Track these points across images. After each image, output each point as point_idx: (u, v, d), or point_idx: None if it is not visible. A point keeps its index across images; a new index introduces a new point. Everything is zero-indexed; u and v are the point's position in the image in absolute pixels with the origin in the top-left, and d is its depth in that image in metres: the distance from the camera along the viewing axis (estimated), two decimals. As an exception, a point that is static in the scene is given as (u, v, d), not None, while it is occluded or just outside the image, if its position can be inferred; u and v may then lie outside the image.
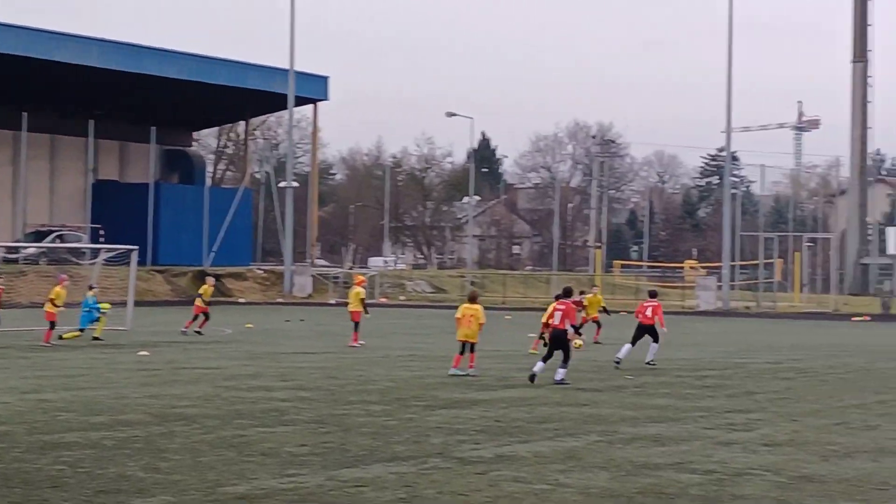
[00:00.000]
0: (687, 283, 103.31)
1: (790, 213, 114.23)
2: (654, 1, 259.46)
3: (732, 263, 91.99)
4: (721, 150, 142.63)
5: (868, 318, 72.16)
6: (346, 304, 44.38)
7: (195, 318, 45.00)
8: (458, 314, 28.51)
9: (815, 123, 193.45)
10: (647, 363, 32.06)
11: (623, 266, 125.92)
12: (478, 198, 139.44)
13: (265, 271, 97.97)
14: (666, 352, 37.83)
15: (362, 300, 39.68)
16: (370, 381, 26.53)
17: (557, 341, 26.79)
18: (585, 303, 43.40)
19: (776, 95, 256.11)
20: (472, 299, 29.06)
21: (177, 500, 12.92)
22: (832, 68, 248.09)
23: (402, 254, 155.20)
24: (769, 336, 50.77)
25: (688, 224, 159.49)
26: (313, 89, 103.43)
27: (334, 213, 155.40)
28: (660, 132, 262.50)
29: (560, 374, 26.43)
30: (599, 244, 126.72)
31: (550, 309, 27.31)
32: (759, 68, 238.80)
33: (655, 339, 32.58)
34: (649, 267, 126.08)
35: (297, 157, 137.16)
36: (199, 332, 44.05)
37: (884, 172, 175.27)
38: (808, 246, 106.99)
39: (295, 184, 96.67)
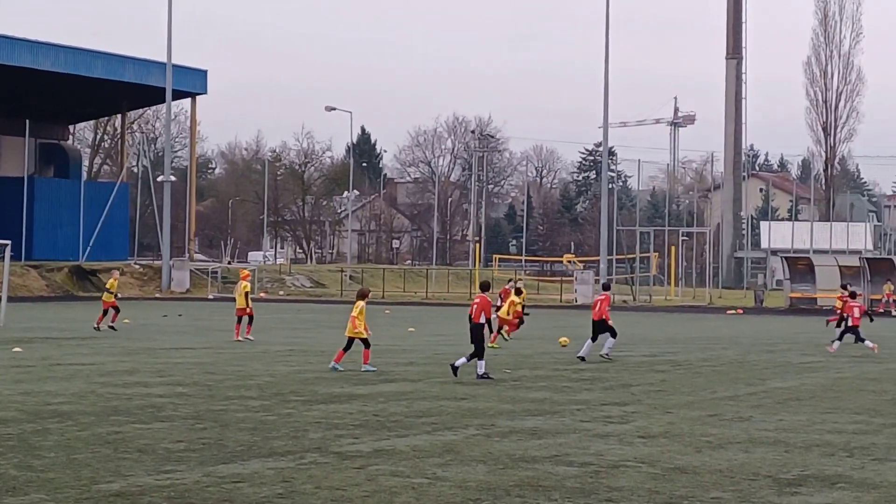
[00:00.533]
0: (565, 277, 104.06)
1: (666, 208, 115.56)
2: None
3: (609, 257, 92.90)
4: (598, 144, 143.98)
5: (741, 312, 73.36)
6: (227, 300, 44.26)
7: (105, 312, 44.59)
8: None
9: (690, 119, 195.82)
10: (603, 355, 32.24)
11: (502, 260, 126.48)
12: (357, 192, 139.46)
13: (143, 266, 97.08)
14: (543, 345, 38.19)
15: (247, 294, 39.69)
16: (249, 377, 26.44)
17: (471, 334, 26.82)
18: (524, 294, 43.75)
19: (653, 91, 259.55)
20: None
21: (51, 499, 12.79)
22: (707, 65, 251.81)
23: (282, 248, 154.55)
24: (645, 329, 51.37)
25: (566, 218, 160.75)
26: (191, 83, 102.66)
27: (213, 208, 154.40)
28: (538, 127, 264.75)
29: (479, 367, 26.52)
30: (478, 238, 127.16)
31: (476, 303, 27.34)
32: (636, 64, 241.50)
33: (612, 334, 32.74)
34: (528, 261, 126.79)
35: (176, 152, 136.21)
36: (112, 328, 43.64)
37: (757, 168, 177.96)
38: (684, 240, 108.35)
39: (172, 178, 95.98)
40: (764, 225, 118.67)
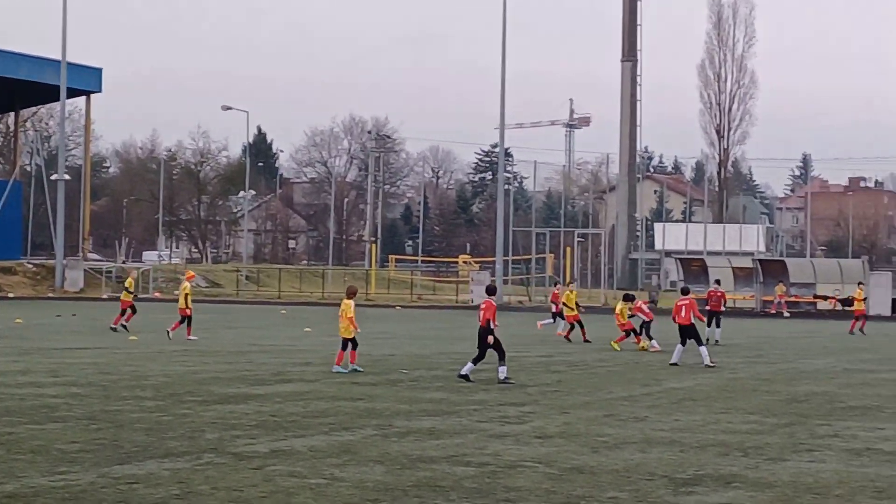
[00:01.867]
0: (461, 278, 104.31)
1: (562, 209, 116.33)
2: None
3: (505, 258, 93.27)
4: (495, 145, 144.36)
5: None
6: (118, 300, 44.19)
7: (123, 312, 44.53)
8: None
9: (586, 121, 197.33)
10: (706, 366, 31.68)
11: (398, 261, 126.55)
12: (253, 192, 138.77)
13: (35, 265, 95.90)
14: (440, 346, 38.24)
15: (187, 295, 40.40)
16: (144, 377, 26.18)
17: (479, 338, 26.42)
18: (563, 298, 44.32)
19: (549, 93, 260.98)
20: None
21: (-58, 501, 12.58)
22: (603, 67, 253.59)
23: (177, 248, 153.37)
24: (542, 330, 51.54)
25: (462, 219, 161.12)
26: (86, 81, 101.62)
27: (107, 207, 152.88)
28: (435, 128, 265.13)
29: (501, 371, 26.13)
30: (374, 239, 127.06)
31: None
32: (533, 65, 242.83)
33: (699, 342, 32.40)
34: (424, 261, 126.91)
35: (70, 150, 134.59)
36: (125, 327, 43.67)
37: (652, 170, 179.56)
38: (579, 241, 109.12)
39: (66, 177, 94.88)
40: (658, 226, 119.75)
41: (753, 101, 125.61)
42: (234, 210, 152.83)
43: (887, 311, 75.48)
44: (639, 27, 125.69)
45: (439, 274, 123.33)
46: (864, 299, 52.51)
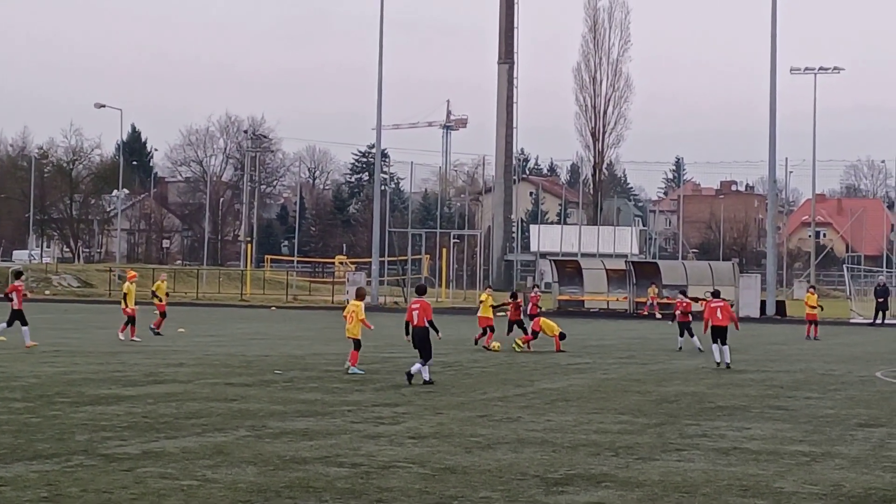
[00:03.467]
0: (337, 279, 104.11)
1: (438, 210, 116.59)
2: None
3: (382, 259, 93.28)
4: (372, 146, 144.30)
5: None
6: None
7: (163, 315, 44.02)
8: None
9: (463, 122, 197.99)
10: (727, 365, 32.84)
11: (274, 261, 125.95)
12: (127, 191, 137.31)
13: None
14: (316, 347, 38.16)
15: (125, 295, 40.37)
16: (13, 378, 25.81)
17: (416, 339, 26.68)
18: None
19: (426, 94, 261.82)
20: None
21: None
22: (480, 69, 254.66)
23: (48, 247, 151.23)
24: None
25: (338, 220, 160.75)
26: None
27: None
28: (312, 128, 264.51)
29: (424, 372, 26.37)
30: (250, 239, 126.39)
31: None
32: (410, 66, 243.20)
33: (724, 342, 33.14)
34: (300, 262, 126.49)
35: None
36: (157, 333, 43.00)
37: (528, 172, 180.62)
38: (455, 242, 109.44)
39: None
40: (534, 228, 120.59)
41: (628, 105, 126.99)
42: (108, 209, 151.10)
43: (756, 313, 76.68)
44: (515, 30, 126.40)
45: (315, 274, 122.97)
46: (817, 306, 52.90)
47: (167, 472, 14.50)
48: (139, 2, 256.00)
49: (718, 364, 32.93)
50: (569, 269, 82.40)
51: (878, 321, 71.53)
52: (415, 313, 26.77)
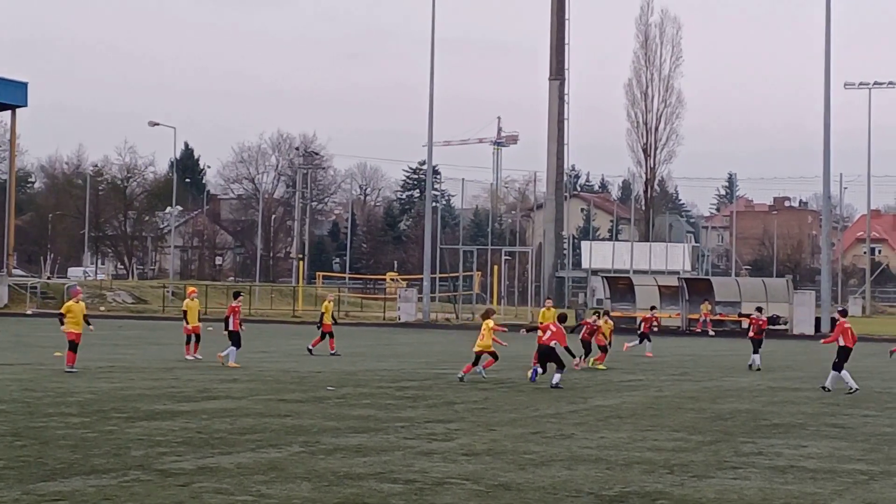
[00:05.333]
0: (389, 295, 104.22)
1: (489, 227, 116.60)
2: (357, 14, 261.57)
3: (433, 276, 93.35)
4: (422, 163, 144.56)
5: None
6: (48, 315, 43.75)
7: (323, 336, 43.71)
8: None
9: (513, 139, 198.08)
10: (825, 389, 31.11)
11: (325, 278, 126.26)
12: (180, 208, 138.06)
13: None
14: (367, 363, 38.20)
15: (185, 312, 40.31)
16: (69, 393, 25.96)
17: (548, 356, 31.39)
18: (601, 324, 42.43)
19: (477, 111, 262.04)
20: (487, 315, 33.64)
21: None
22: (530, 85, 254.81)
23: (103, 264, 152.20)
24: (468, 348, 51.54)
25: (389, 236, 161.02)
26: (12, 95, 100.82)
27: (32, 223, 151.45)
28: (363, 145, 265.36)
29: (554, 378, 30.69)
30: (302, 256, 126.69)
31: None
32: (460, 84, 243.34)
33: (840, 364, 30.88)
34: (351, 279, 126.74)
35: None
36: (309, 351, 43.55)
37: (579, 188, 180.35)
38: (506, 259, 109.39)
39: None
40: (585, 245, 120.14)
41: (680, 121, 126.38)
42: (161, 226, 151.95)
43: (811, 330, 76.22)
44: (566, 46, 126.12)
45: (367, 291, 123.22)
46: None
47: (222, 487, 14.53)
48: (194, 19, 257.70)
49: (851, 391, 30.23)
50: (620, 286, 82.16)
51: (935, 338, 70.94)
52: (550, 334, 31.44)
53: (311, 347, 43.48)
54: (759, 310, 44.00)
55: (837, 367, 30.72)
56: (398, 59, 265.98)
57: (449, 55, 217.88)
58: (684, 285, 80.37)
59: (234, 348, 36.05)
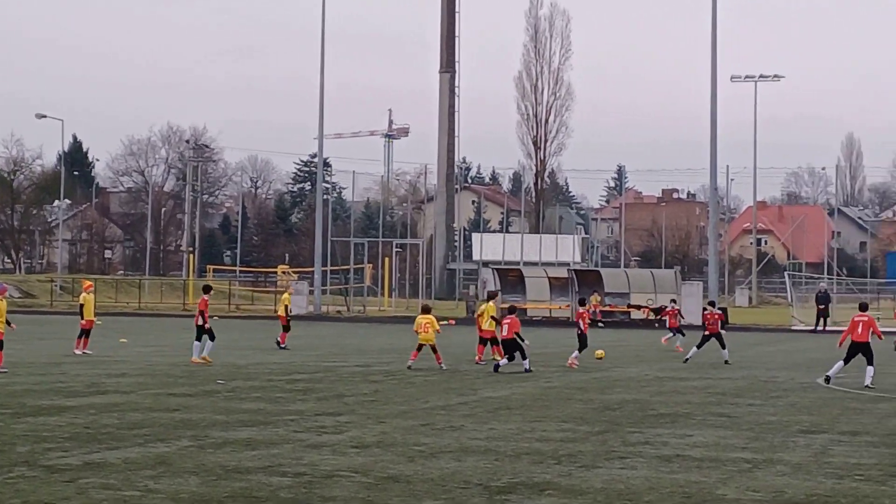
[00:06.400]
0: (280, 288, 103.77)
1: (380, 219, 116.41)
2: (246, 6, 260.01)
3: (324, 268, 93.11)
4: (314, 156, 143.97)
5: (454, 322, 74.18)
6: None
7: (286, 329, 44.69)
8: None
9: (404, 131, 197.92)
10: (867, 386, 29.66)
11: (216, 271, 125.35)
12: (68, 201, 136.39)
13: None
14: (258, 356, 38.05)
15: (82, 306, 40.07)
16: (-48, 390, 25.58)
17: (508, 347, 33.30)
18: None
19: (369, 103, 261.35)
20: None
21: None
22: (422, 78, 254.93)
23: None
24: (359, 340, 51.65)
25: (281, 229, 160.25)
26: None
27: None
28: (254, 137, 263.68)
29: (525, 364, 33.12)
30: (192, 249, 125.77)
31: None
32: (352, 76, 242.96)
33: (870, 360, 30.19)
34: (242, 271, 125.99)
35: None
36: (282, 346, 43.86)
37: (470, 180, 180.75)
38: (398, 251, 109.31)
39: None
40: (476, 237, 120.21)
41: (570, 114, 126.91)
42: (49, 219, 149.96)
43: (699, 321, 76.94)
44: (457, 39, 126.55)
45: (258, 284, 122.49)
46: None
47: (109, 483, 14.42)
48: (82, 11, 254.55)
49: (828, 379, 30.57)
50: (511, 278, 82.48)
51: (820, 328, 72.08)
52: (505, 327, 33.22)
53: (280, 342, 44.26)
54: (712, 304, 44.50)
55: (871, 361, 30.31)
56: (289, 51, 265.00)
57: (340, 48, 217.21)
58: (574, 277, 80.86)
59: (211, 342, 35.73)
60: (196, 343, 35.68)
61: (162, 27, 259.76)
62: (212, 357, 35.37)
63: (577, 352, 36.80)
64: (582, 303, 40.02)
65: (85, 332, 39.35)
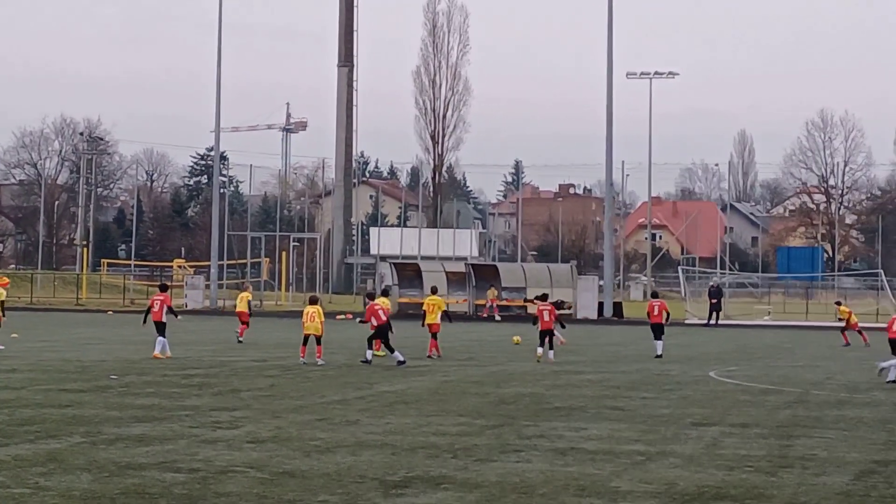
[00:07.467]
0: (175, 283, 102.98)
1: (277, 213, 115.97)
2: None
3: (221, 262, 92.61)
4: (210, 149, 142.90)
5: (351, 317, 74.06)
6: None
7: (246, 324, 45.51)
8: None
9: (302, 125, 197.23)
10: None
11: (111, 265, 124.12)
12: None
13: None
14: (152, 351, 37.65)
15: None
16: None
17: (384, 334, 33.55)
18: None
19: (266, 97, 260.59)
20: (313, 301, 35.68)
21: None
22: (319, 72, 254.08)
23: None
24: (256, 334, 51.29)
25: (177, 223, 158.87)
26: None
27: None
28: (149, 130, 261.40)
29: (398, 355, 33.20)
30: (86, 243, 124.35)
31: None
32: (249, 70, 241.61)
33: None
34: (137, 266, 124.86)
35: None
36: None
37: (368, 174, 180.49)
38: (295, 245, 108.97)
39: None
40: (374, 231, 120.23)
41: (467, 108, 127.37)
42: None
43: (594, 315, 77.60)
44: (355, 33, 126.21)
45: (153, 278, 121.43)
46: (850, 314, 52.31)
47: (-2, 480, 14.24)
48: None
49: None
50: (409, 272, 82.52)
51: (712, 322, 73.01)
52: (381, 312, 33.50)
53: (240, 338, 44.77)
54: (655, 295, 45.06)
55: None
56: (185, 43, 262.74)
57: (237, 40, 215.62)
58: (471, 271, 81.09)
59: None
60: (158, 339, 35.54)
61: (50, 16, 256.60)
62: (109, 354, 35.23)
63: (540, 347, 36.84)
64: (543, 297, 38.88)
65: None
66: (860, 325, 51.82)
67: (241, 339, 44.49)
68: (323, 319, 34.52)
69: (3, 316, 40.74)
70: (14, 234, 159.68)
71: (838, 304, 56.08)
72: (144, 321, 36.53)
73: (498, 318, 75.11)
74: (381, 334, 33.73)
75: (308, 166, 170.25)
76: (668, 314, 40.24)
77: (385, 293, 40.86)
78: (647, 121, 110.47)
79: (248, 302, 46.94)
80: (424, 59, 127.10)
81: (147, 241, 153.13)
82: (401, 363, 33.15)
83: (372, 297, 37.08)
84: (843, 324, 51.54)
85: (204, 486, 14.15)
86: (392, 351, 33.55)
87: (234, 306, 50.31)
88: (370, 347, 34.26)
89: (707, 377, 31.78)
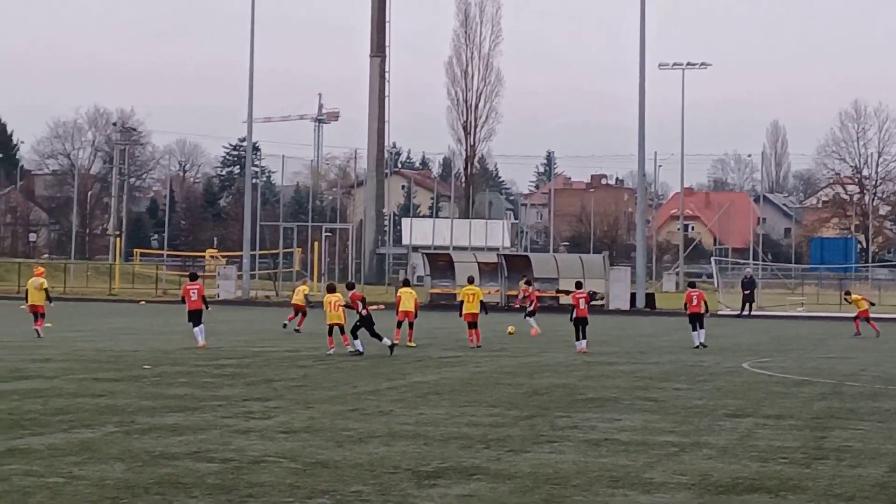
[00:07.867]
0: (208, 273, 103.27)
1: (310, 204, 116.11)
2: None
3: (253, 253, 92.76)
4: (243, 140, 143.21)
5: (383, 307, 73.91)
6: None
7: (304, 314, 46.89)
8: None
9: (334, 116, 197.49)
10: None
11: (143, 255, 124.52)
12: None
13: None
14: (185, 341, 37.77)
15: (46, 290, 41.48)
16: None
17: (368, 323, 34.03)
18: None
19: (298, 87, 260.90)
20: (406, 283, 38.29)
21: None
22: (352, 62, 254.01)
23: None
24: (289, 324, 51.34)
25: (209, 213, 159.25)
26: None
27: None
28: (182, 121, 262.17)
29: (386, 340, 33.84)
30: (119, 233, 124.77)
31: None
32: (282, 60, 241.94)
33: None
34: (170, 256, 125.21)
35: None
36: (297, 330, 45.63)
37: (400, 165, 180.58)
38: (327, 236, 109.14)
39: None
40: (406, 221, 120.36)
41: (499, 99, 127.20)
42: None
43: (626, 305, 77.46)
44: (387, 24, 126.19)
45: (185, 268, 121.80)
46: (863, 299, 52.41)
47: (32, 469, 14.25)
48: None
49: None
50: (441, 263, 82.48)
51: (745, 312, 72.78)
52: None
53: (287, 322, 47.09)
54: (692, 285, 44.12)
55: None
56: (218, 34, 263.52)
57: (270, 31, 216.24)
58: (503, 262, 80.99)
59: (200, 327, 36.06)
60: (197, 328, 35.76)
61: (85, 9, 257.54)
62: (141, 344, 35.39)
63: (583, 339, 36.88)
64: (578, 286, 38.90)
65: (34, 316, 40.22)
66: (890, 316, 51.64)
67: (298, 328, 45.55)
68: (343, 307, 34.83)
69: (50, 302, 41.82)
70: (48, 224, 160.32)
71: (848, 294, 55.65)
72: (207, 306, 36.88)
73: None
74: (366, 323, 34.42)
75: (340, 157, 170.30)
76: (706, 304, 40.19)
77: (406, 283, 41.00)
78: (679, 110, 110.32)
79: (306, 295, 47.90)
80: (456, 49, 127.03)
81: (179, 231, 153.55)
82: (359, 353, 33.04)
83: (407, 283, 38.34)
84: (855, 313, 51.50)
85: (237, 475, 14.15)
86: (356, 338, 33.65)
87: (290, 297, 51.76)
88: (355, 338, 34.43)
89: (740, 368, 31.65)
